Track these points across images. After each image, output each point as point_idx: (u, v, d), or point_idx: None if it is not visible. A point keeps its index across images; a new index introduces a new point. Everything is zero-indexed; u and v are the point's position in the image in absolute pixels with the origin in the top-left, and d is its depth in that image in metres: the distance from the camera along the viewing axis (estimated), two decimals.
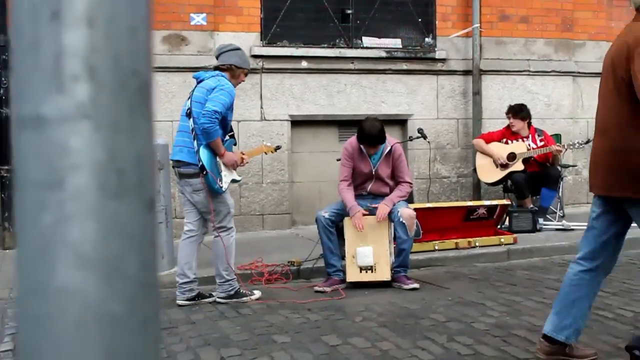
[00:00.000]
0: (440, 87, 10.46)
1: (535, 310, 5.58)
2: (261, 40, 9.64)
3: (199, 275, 6.28)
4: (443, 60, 10.41)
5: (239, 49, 6.39)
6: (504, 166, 9.15)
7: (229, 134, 6.26)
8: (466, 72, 10.49)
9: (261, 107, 9.61)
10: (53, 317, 0.72)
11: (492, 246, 8.00)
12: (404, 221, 6.56)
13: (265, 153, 7.30)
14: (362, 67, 10.05)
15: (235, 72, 6.22)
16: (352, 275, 6.66)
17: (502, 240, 8.09)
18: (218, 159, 6.07)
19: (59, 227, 0.71)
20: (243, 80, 6.41)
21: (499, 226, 8.51)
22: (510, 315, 5.44)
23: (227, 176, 6.14)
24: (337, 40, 10.04)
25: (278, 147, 7.12)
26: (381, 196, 6.79)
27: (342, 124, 10.03)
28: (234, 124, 9.40)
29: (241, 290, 6.21)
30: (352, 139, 6.83)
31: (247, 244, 8.68)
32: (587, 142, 9.50)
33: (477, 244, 7.98)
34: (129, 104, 0.73)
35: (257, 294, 6.29)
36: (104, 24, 0.74)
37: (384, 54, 10.12)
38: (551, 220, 9.21)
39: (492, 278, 6.92)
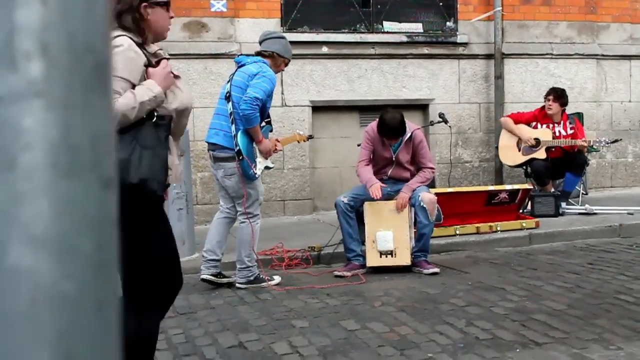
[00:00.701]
0: (462, 72, 10.38)
1: (556, 294, 5.53)
2: (281, 26, 9.62)
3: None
4: (465, 44, 10.32)
5: (283, 37, 6.35)
6: (526, 150, 9.07)
7: (266, 121, 6.23)
8: (488, 56, 10.40)
9: (282, 93, 9.59)
10: (4, 297, 0.71)
11: (513, 230, 7.94)
12: (425, 205, 6.53)
13: (298, 142, 7.22)
14: (383, 52, 9.99)
15: (277, 60, 6.18)
16: (372, 260, 6.64)
17: (524, 224, 8.02)
18: (254, 145, 6.05)
19: (10, 207, 0.70)
20: (282, 70, 6.38)
21: (521, 211, 8.44)
22: (530, 300, 5.39)
23: (261, 163, 6.11)
24: (358, 26, 9.99)
25: (310, 137, 6.99)
26: (402, 181, 6.76)
27: (363, 110, 9.99)
28: None
29: (261, 276, 6.20)
30: (374, 124, 6.78)
31: (268, 229, 8.68)
32: (615, 141, 9.40)
33: (498, 229, 7.92)
34: (84, 82, 0.72)
35: (277, 279, 6.28)
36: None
37: (404, 39, 10.05)
38: (574, 205, 9.13)
39: (513, 262, 6.87)
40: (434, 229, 7.02)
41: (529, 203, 8.67)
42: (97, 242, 0.72)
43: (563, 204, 8.86)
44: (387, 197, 6.70)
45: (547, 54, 10.63)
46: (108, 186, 0.72)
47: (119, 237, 0.77)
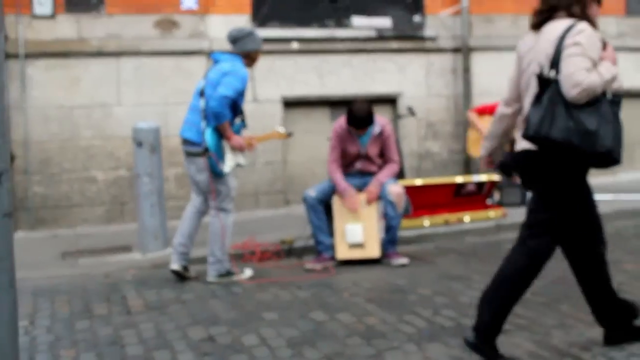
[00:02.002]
0: (430, 65, 10.42)
1: None
2: (252, 22, 9.59)
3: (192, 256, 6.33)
4: (432, 38, 10.36)
5: (252, 32, 6.34)
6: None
7: (240, 118, 6.23)
8: (456, 50, 10.45)
9: (253, 89, 9.58)
10: None
11: (481, 221, 8.01)
12: (392, 198, 6.57)
13: (278, 139, 7.19)
14: (353, 47, 10.01)
15: (254, 56, 6.26)
16: (342, 253, 6.67)
17: (492, 214, 8.09)
18: (224, 142, 6.07)
19: None
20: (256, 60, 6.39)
21: (488, 201, 8.51)
22: None
23: (231, 160, 6.13)
24: (327, 21, 9.99)
25: (290, 134, 6.95)
26: (369, 174, 6.79)
27: (334, 104, 10.00)
28: None
29: (232, 270, 6.22)
30: (341, 121, 6.80)
31: (240, 223, 8.66)
32: None
33: (466, 219, 7.98)
34: None
35: (248, 272, 6.29)
36: None
37: (373, 34, 10.07)
38: None
39: (480, 252, 6.93)
40: (404, 220, 7.07)
41: (497, 193, 8.74)
42: None
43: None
44: (357, 189, 6.73)
45: (513, 47, 10.61)
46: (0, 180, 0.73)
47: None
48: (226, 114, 5.93)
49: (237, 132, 6.18)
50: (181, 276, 6.21)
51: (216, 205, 6.11)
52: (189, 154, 6.15)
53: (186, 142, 6.16)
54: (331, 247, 6.70)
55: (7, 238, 0.67)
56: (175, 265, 6.20)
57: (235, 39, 6.23)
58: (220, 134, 6.02)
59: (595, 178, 10.94)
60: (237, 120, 6.17)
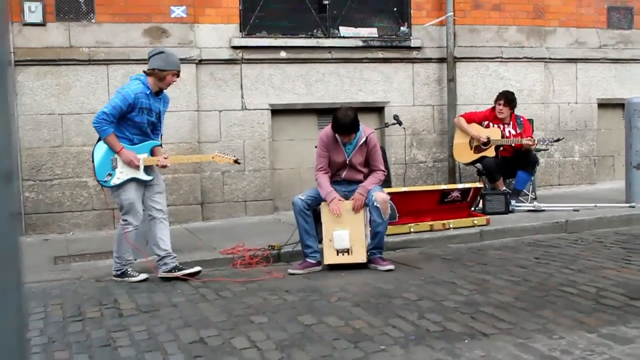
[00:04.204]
0: (416, 75, 10.53)
1: (504, 288, 5.68)
2: (240, 31, 9.67)
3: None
4: (418, 48, 10.47)
5: (162, 52, 6.51)
6: (477, 149, 9.26)
7: (157, 135, 6.59)
8: (441, 60, 10.56)
9: (242, 97, 9.65)
10: None
11: (465, 228, 8.09)
12: (378, 205, 6.65)
13: (219, 162, 7.17)
14: (340, 56, 10.10)
15: (159, 75, 6.40)
16: (330, 258, 6.74)
17: (475, 221, 8.17)
18: (116, 156, 6.37)
19: None
20: (174, 81, 6.53)
21: (472, 208, 8.61)
22: (479, 293, 5.53)
23: (123, 173, 6.38)
24: (315, 31, 10.08)
25: (237, 161, 6.86)
26: (355, 182, 6.88)
27: (321, 112, 10.09)
28: (215, 113, 9.52)
29: (128, 271, 6.53)
30: (327, 129, 6.89)
31: (229, 229, 8.76)
32: (557, 140, 9.61)
33: (451, 226, 8.06)
34: None
35: (142, 276, 6.53)
36: None
37: (360, 43, 10.17)
38: (523, 202, 9.33)
39: (464, 258, 7.01)
40: (389, 226, 7.15)
41: (481, 201, 8.84)
42: None
43: (513, 202, 9.05)
44: (343, 197, 6.82)
45: (497, 58, 10.82)
46: (8, 180, 0.76)
47: None
48: (106, 130, 6.27)
49: (145, 149, 6.47)
50: (169, 279, 6.48)
51: (120, 215, 6.56)
52: None
53: None
54: (318, 252, 6.78)
55: (15, 237, 0.71)
56: (160, 274, 6.57)
57: (148, 57, 6.51)
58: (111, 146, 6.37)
59: (577, 187, 11.13)
60: (135, 136, 6.43)
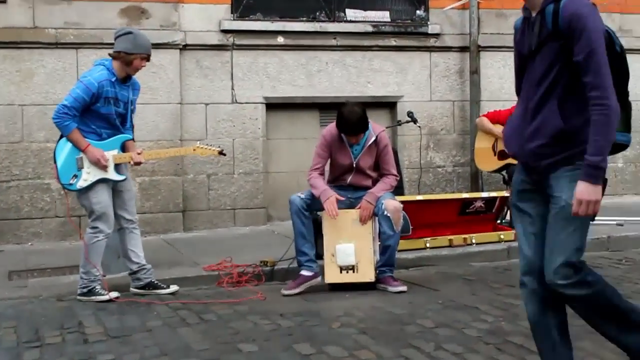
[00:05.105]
0: (434, 66, 10.47)
1: None
2: (232, 13, 9.62)
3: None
4: (436, 35, 10.42)
5: (130, 32, 6.49)
6: (502, 155, 9.11)
7: (128, 128, 6.51)
8: (462, 49, 10.52)
9: (232, 89, 9.60)
10: None
11: (490, 243, 8.03)
12: (389, 214, 6.55)
13: (202, 155, 7.18)
14: (346, 43, 10.05)
15: (126, 58, 6.35)
16: (332, 276, 6.65)
17: (502, 236, 8.10)
18: (82, 155, 6.27)
19: None
20: (143, 66, 6.50)
21: (498, 221, 8.52)
22: (507, 320, 5.45)
23: (90, 174, 6.30)
24: (318, 13, 10.04)
25: (222, 153, 6.81)
26: (362, 188, 6.78)
27: (324, 107, 10.04)
28: (201, 106, 9.46)
29: (96, 289, 6.40)
30: (332, 126, 6.80)
31: (215, 241, 8.70)
32: None
33: (473, 241, 8.00)
34: None
35: (114, 294, 6.43)
36: None
37: (370, 29, 10.12)
38: None
39: (489, 279, 6.94)
40: (402, 241, 7.06)
41: (508, 212, 8.73)
42: None
43: None
44: (349, 205, 6.72)
45: None
46: None
47: None
48: (67, 125, 6.18)
49: (115, 144, 6.39)
50: (141, 295, 6.54)
51: (88, 222, 6.44)
52: None
53: None
54: (314, 261, 6.70)
55: None
56: (131, 287, 6.68)
57: (114, 37, 6.46)
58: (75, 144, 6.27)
59: (621, 198, 11.01)
60: (103, 130, 6.35)
